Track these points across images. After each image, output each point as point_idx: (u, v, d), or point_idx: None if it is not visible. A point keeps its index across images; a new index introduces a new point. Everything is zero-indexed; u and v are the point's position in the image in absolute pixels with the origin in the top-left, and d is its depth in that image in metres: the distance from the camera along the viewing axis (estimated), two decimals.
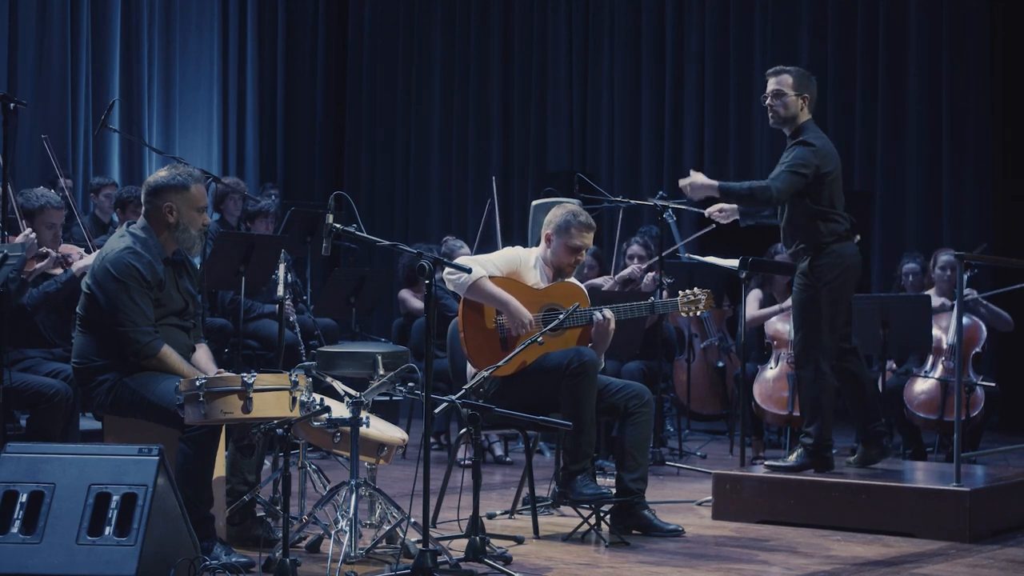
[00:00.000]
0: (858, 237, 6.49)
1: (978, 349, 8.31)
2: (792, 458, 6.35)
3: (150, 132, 12.74)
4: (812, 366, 6.28)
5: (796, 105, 6.32)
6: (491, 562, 4.84)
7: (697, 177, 6.30)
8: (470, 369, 5.86)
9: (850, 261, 6.32)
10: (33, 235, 6.01)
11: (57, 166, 7.89)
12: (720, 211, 6.52)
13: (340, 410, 5.05)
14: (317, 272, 11.61)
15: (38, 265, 6.09)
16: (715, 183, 6.26)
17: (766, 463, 6.52)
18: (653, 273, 8.30)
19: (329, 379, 5.62)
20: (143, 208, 5.22)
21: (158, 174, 5.26)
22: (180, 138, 13.11)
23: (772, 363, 8.32)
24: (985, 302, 8.49)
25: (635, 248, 9.06)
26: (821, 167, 6.25)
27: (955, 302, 7.62)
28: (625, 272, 8.89)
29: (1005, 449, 8.10)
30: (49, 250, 6.15)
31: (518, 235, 12.29)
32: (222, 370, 5.15)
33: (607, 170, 13.07)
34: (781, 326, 8.36)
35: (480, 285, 5.77)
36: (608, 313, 5.81)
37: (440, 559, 4.70)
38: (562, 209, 6.01)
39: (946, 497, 5.84)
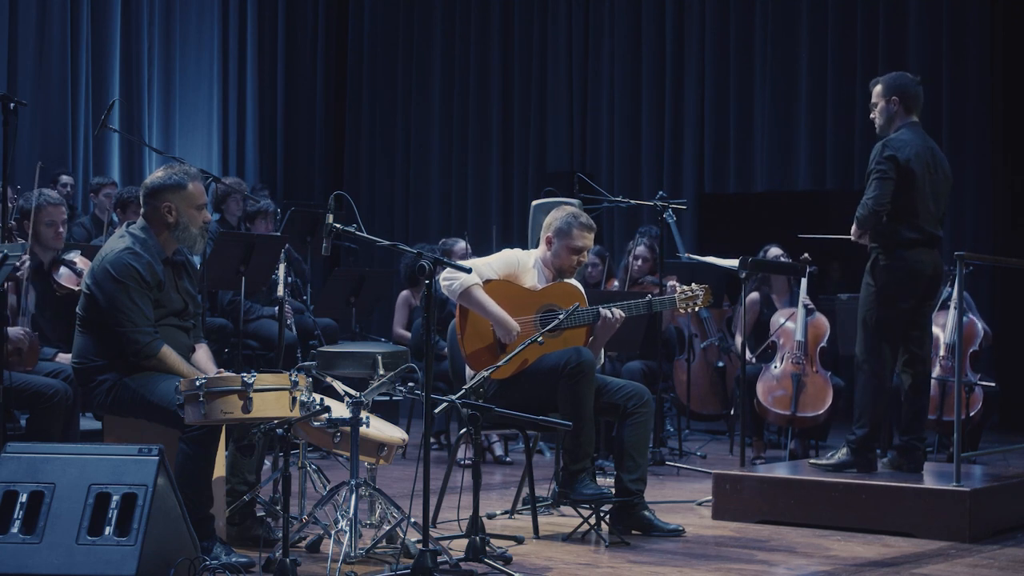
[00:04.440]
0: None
1: (975, 348, 8.31)
2: (837, 456, 6.36)
3: (150, 132, 12.74)
4: (867, 367, 6.31)
5: (885, 111, 6.37)
6: (491, 562, 4.84)
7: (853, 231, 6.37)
8: (469, 370, 5.86)
9: (913, 266, 6.23)
10: None
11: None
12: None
13: (340, 410, 5.05)
14: (317, 272, 11.61)
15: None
16: (855, 230, 6.30)
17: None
18: (671, 282, 8.31)
19: (329, 379, 5.63)
20: (142, 209, 5.22)
21: (155, 175, 5.25)
22: (180, 138, 13.11)
23: (777, 362, 8.29)
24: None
25: (641, 249, 9.08)
26: (900, 159, 6.17)
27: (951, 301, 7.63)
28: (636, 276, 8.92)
29: (1005, 449, 8.10)
30: None
31: (518, 235, 12.30)
32: (222, 370, 5.15)
33: (607, 170, 13.08)
34: (789, 324, 8.32)
35: (471, 293, 5.77)
36: (618, 312, 5.79)
37: (440, 559, 4.70)
38: (561, 211, 6.02)
39: (946, 497, 5.83)
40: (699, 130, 12.67)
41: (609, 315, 5.78)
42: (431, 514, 5.16)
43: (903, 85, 6.38)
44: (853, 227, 6.35)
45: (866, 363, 6.33)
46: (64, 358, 6.07)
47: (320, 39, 14.63)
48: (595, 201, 8.38)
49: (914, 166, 6.19)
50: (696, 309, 6.03)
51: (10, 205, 6.36)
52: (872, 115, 6.47)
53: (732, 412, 9.14)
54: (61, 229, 6.50)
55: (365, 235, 4.98)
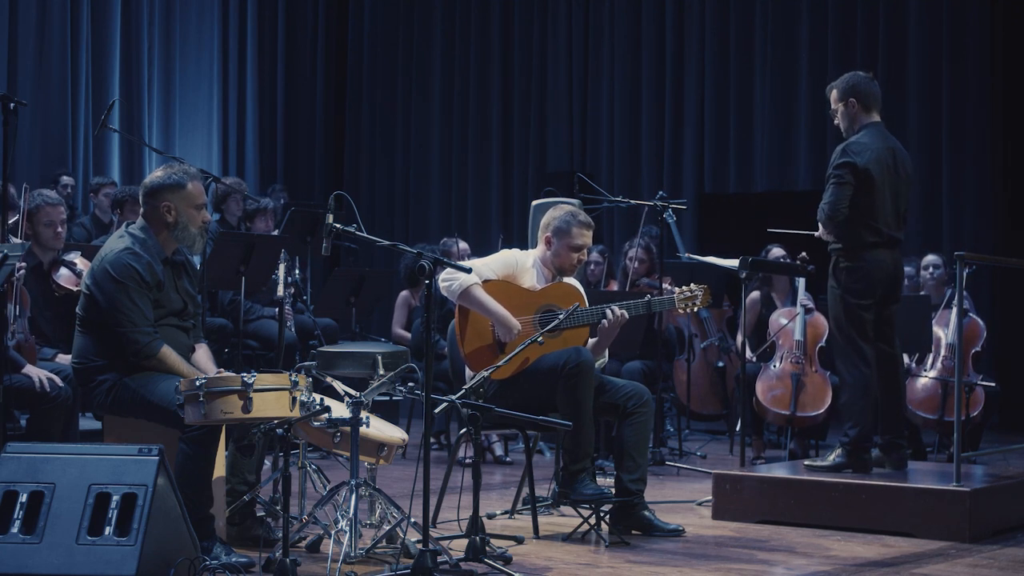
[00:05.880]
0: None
1: (977, 348, 8.31)
2: (831, 458, 6.33)
3: (150, 132, 12.74)
4: (848, 367, 6.30)
5: (846, 115, 6.40)
6: (491, 562, 4.84)
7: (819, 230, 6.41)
8: (469, 370, 5.85)
9: (873, 267, 6.24)
10: None
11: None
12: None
13: (340, 410, 5.05)
14: (317, 272, 11.61)
15: None
16: (821, 229, 6.36)
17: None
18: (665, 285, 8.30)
19: (329, 379, 5.62)
20: (141, 209, 5.22)
21: (154, 174, 5.25)
22: (180, 138, 13.12)
23: (776, 361, 8.28)
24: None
25: (637, 251, 9.07)
26: (858, 164, 6.19)
27: (949, 301, 7.62)
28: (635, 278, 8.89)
29: (1005, 449, 8.10)
30: None
31: (518, 235, 12.31)
32: (222, 370, 5.15)
33: (607, 170, 13.08)
34: (788, 324, 8.30)
35: (470, 293, 5.76)
36: (620, 312, 5.78)
37: (440, 559, 4.70)
38: (559, 210, 6.02)
39: (946, 497, 5.83)
40: (699, 130, 12.68)
41: (611, 316, 5.76)
42: (431, 514, 5.16)
43: (856, 85, 6.41)
44: (819, 227, 6.41)
45: (846, 363, 6.32)
46: (64, 358, 6.07)
47: (320, 39, 14.63)
48: (595, 201, 8.38)
49: (872, 170, 6.21)
50: (695, 309, 6.02)
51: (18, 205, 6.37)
52: (836, 121, 6.49)
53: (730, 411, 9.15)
54: (60, 229, 6.49)
55: (365, 235, 4.98)
